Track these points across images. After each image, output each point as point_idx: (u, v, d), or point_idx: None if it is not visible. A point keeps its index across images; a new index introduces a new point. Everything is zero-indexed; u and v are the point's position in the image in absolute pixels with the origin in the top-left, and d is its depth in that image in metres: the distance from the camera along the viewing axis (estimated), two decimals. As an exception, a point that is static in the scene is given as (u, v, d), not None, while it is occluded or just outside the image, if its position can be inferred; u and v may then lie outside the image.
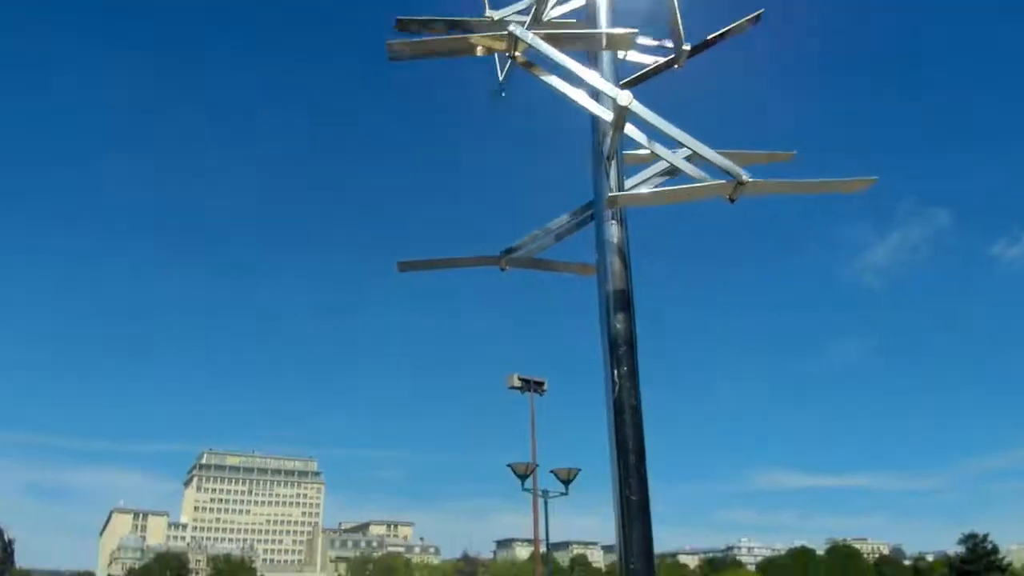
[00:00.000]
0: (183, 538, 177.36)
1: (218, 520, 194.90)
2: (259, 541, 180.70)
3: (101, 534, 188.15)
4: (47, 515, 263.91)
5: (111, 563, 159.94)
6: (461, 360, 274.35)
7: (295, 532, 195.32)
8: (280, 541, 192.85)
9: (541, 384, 28.77)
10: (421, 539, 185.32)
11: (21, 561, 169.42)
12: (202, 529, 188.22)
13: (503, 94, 4.99)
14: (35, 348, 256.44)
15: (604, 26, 4.73)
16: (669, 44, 5.01)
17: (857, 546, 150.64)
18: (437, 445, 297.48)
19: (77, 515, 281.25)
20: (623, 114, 4.24)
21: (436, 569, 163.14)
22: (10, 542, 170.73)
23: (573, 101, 4.46)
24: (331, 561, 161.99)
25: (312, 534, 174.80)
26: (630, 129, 4.44)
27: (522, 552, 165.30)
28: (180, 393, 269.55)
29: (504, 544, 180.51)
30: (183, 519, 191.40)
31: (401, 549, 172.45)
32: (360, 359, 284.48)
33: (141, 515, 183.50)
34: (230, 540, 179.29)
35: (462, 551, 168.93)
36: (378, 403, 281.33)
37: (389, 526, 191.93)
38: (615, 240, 4.47)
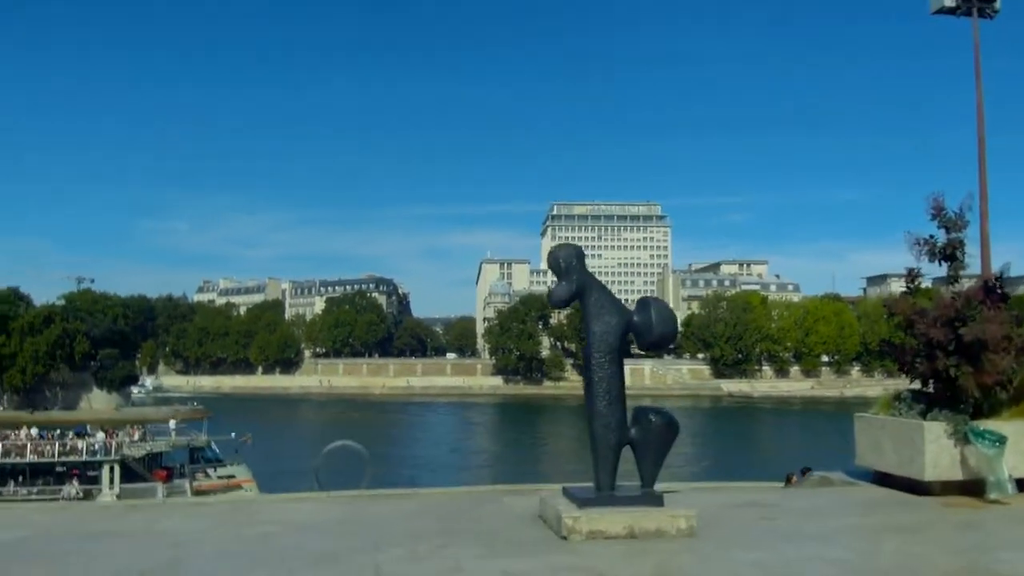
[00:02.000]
0: (543, 283, 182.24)
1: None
2: (611, 283, 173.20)
3: (476, 283, 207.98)
4: (435, 272, 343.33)
5: (485, 307, 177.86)
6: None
7: (645, 273, 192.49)
8: (632, 282, 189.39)
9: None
10: (777, 276, 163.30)
11: (416, 311, 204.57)
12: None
13: None
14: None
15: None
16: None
17: None
18: (788, 182, 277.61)
19: (458, 270, 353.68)
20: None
21: (796, 306, 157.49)
22: (405, 296, 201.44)
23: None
24: (683, 300, 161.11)
25: (662, 274, 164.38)
26: None
27: (898, 288, 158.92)
28: (528, 156, 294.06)
29: (875, 280, 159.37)
30: (542, 266, 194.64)
31: (756, 287, 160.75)
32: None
33: (506, 264, 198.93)
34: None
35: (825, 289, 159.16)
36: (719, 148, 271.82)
37: (741, 265, 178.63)
38: None
